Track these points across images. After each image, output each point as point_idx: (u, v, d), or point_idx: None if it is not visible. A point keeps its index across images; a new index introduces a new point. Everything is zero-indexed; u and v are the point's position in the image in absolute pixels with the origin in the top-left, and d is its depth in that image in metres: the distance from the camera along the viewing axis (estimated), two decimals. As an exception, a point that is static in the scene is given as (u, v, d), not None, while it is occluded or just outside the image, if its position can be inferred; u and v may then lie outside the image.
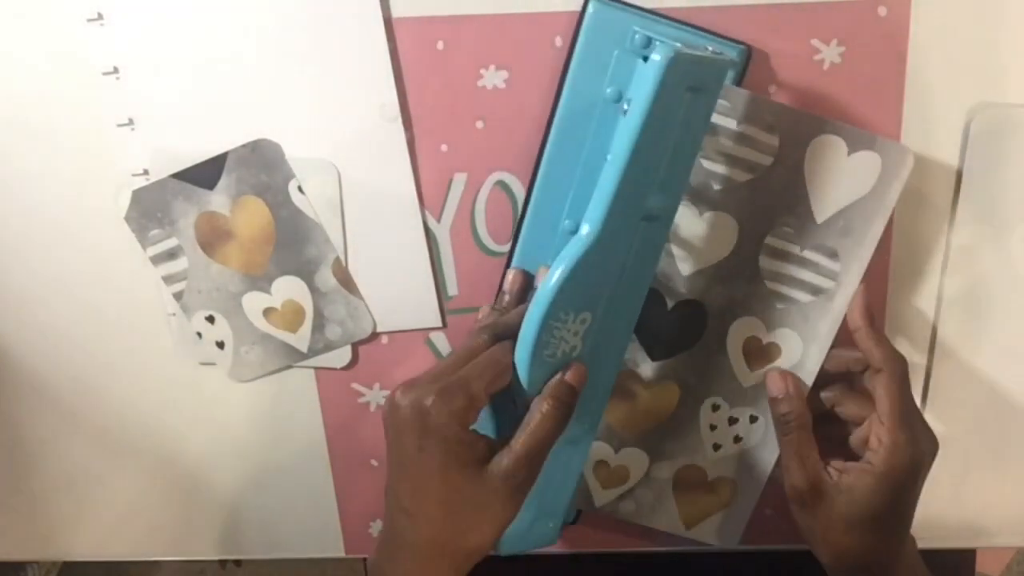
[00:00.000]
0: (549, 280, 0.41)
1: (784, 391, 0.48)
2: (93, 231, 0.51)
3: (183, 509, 0.59)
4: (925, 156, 0.48)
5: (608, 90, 0.45)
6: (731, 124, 0.46)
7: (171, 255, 0.51)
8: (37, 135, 0.50)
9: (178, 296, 0.52)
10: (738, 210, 0.48)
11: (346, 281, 0.52)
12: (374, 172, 0.49)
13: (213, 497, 0.58)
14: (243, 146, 0.49)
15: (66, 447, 0.57)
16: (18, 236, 0.52)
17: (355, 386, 0.55)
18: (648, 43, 0.44)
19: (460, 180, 0.50)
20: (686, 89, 0.40)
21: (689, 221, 0.48)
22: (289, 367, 0.54)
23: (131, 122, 0.49)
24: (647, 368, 0.51)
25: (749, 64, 0.46)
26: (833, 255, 0.48)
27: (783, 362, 0.50)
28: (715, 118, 0.46)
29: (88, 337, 0.54)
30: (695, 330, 0.51)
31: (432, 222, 0.51)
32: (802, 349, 0.50)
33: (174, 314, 0.53)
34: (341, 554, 0.59)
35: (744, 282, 0.49)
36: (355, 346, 0.53)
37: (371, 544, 0.59)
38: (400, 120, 0.48)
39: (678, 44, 0.41)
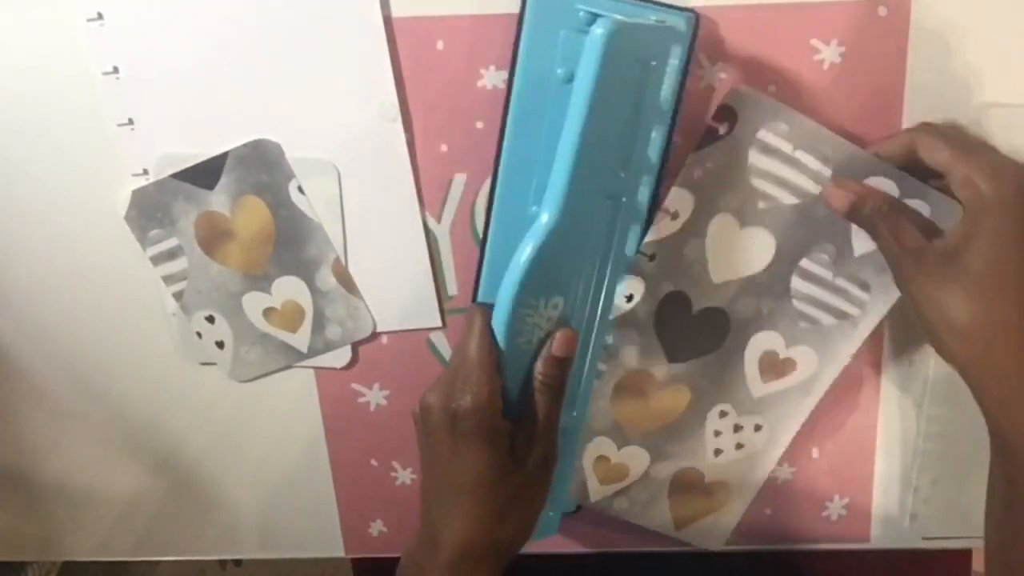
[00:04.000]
0: (514, 268, 0.41)
1: (856, 194, 0.44)
2: (93, 231, 0.51)
3: (183, 509, 0.59)
4: (925, 156, 0.48)
5: (559, 71, 0.45)
6: (786, 147, 0.46)
7: (171, 255, 0.51)
8: (37, 135, 0.50)
9: (178, 296, 0.52)
10: (778, 230, 0.48)
11: (346, 281, 0.52)
12: (374, 172, 0.49)
13: (213, 497, 0.58)
14: (243, 146, 0.49)
15: (66, 447, 0.57)
16: (18, 236, 0.52)
17: (355, 386, 0.55)
18: (593, 20, 0.43)
19: (460, 180, 0.50)
20: (633, 60, 0.40)
21: (727, 232, 0.48)
22: (289, 367, 0.54)
23: (131, 122, 0.49)
24: (661, 370, 0.51)
25: (698, 30, 0.45)
26: (865, 286, 0.49)
27: (796, 377, 0.51)
28: (770, 137, 0.46)
29: (88, 337, 0.54)
30: (716, 337, 0.50)
31: (432, 222, 0.51)
32: (817, 366, 0.50)
33: (174, 314, 0.53)
34: (341, 554, 0.59)
35: (772, 298, 0.49)
36: (355, 346, 0.53)
37: (371, 544, 0.59)
38: (400, 120, 0.48)
39: (620, 16, 0.41)
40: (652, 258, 0.48)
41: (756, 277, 0.49)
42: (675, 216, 0.48)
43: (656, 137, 0.45)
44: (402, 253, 0.51)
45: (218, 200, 0.50)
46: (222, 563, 1.31)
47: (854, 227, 0.47)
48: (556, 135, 0.41)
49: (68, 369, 0.55)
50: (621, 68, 0.40)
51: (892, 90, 0.47)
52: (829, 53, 0.47)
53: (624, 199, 0.44)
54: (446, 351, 0.53)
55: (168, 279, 0.52)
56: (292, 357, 0.53)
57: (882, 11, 0.46)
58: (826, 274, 0.49)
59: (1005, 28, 0.46)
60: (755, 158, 0.47)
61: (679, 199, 0.48)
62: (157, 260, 0.51)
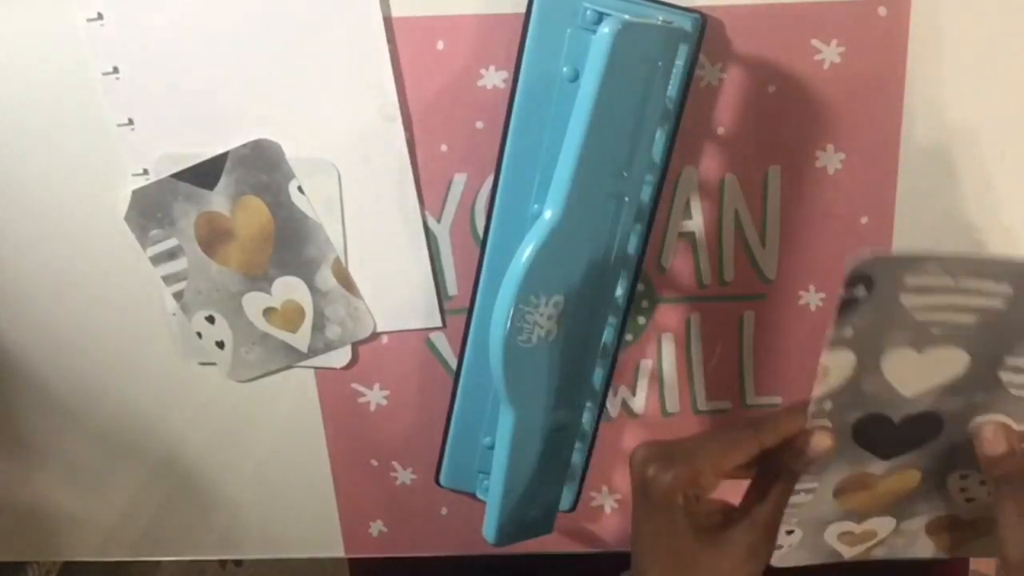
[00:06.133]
0: (515, 264, 0.41)
1: (1005, 448, 0.42)
2: (93, 231, 0.51)
3: (183, 509, 0.59)
4: (925, 155, 0.48)
5: (564, 69, 0.45)
6: (947, 281, 0.39)
7: (171, 255, 0.51)
8: (37, 135, 0.50)
9: (178, 296, 0.52)
10: (968, 344, 0.41)
11: (346, 281, 0.52)
12: (374, 172, 0.49)
13: (213, 497, 0.58)
14: (243, 146, 0.49)
15: (66, 447, 0.57)
16: (18, 236, 0.52)
17: (355, 386, 0.55)
18: (600, 19, 0.43)
19: (460, 180, 0.50)
20: (640, 60, 0.40)
21: (906, 360, 0.42)
22: (289, 367, 0.54)
23: (131, 122, 0.49)
24: (879, 467, 0.46)
25: (705, 32, 0.45)
26: None
27: None
28: (922, 280, 0.39)
29: (88, 337, 0.54)
30: (931, 431, 0.44)
31: (432, 222, 0.51)
32: None
33: (174, 314, 0.53)
34: (341, 554, 0.59)
35: (983, 392, 0.43)
36: (355, 346, 0.53)
37: (371, 544, 0.59)
38: (400, 120, 0.48)
39: (627, 16, 0.41)
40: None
41: (956, 382, 0.42)
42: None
43: (660, 137, 0.46)
44: (402, 253, 0.51)
45: (218, 200, 0.50)
46: (222, 563, 1.31)
47: None
48: (560, 133, 0.41)
49: (68, 369, 0.55)
50: (627, 68, 0.40)
51: (892, 90, 0.47)
52: (829, 53, 0.47)
53: (627, 199, 0.44)
54: (446, 351, 0.53)
55: (168, 279, 0.52)
56: (292, 357, 0.53)
57: (882, 11, 0.46)
58: None
59: (1005, 28, 0.46)
60: (910, 300, 0.40)
61: (837, 360, 0.41)
62: (157, 260, 0.51)
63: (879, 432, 0.44)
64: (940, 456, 0.46)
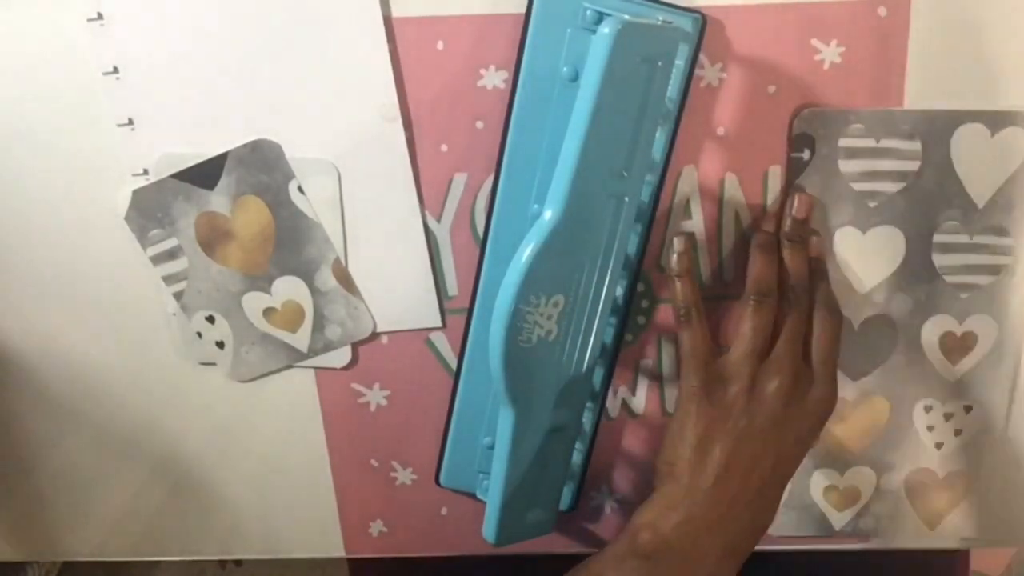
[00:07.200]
0: (515, 265, 0.41)
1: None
2: (93, 231, 0.51)
3: (183, 509, 0.59)
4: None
5: (564, 69, 0.45)
6: (870, 142, 0.47)
7: (171, 255, 0.51)
8: (37, 135, 0.50)
9: (178, 296, 0.52)
10: (899, 219, 0.49)
11: (346, 281, 0.52)
12: (374, 172, 0.49)
13: (213, 497, 0.58)
14: (243, 146, 0.49)
15: (66, 447, 0.57)
16: (18, 236, 0.52)
17: (355, 386, 0.55)
18: (600, 19, 0.43)
19: (460, 180, 0.50)
20: (640, 60, 0.41)
21: (853, 242, 0.49)
22: (289, 367, 0.54)
23: (131, 122, 0.49)
24: (850, 389, 0.52)
25: (705, 32, 0.45)
26: (1003, 232, 0.49)
27: (983, 347, 0.51)
28: (851, 141, 0.47)
29: (88, 337, 0.54)
30: (888, 341, 0.51)
31: (432, 222, 0.51)
32: (998, 329, 0.51)
33: (174, 314, 0.53)
34: (341, 554, 0.59)
35: (924, 283, 0.50)
36: (355, 346, 0.53)
37: (371, 544, 0.59)
38: (400, 120, 0.48)
39: (627, 16, 0.41)
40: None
41: (900, 271, 0.50)
42: None
43: (660, 137, 0.46)
44: (402, 253, 0.51)
45: (218, 200, 0.50)
46: (222, 563, 1.31)
47: (965, 180, 0.48)
48: (560, 133, 0.41)
49: (68, 369, 0.55)
50: (627, 68, 0.40)
51: (892, 90, 0.47)
52: (829, 53, 0.47)
53: (627, 199, 0.44)
54: (446, 351, 0.53)
55: (168, 279, 0.52)
56: (292, 357, 0.53)
57: (882, 11, 0.46)
58: (962, 238, 0.49)
59: (1005, 28, 0.46)
60: (846, 166, 0.48)
61: None
62: (157, 260, 0.51)
63: (843, 343, 0.49)
64: (901, 379, 0.52)
